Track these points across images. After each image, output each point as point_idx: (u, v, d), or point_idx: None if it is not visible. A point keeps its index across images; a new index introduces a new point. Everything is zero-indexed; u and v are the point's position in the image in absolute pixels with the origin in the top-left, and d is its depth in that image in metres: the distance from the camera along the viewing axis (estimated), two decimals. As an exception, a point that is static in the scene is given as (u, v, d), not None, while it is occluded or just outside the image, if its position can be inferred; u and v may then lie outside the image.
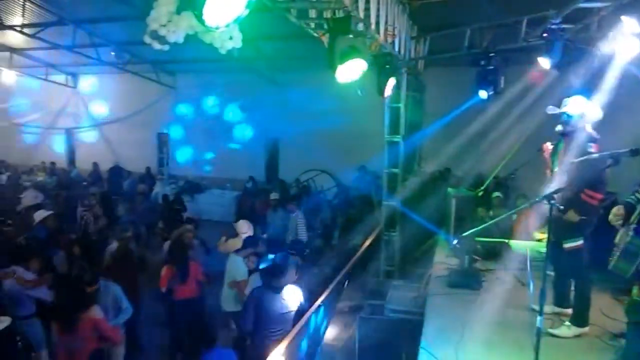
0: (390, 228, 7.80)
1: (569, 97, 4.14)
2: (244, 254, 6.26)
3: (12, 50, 14.25)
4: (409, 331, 4.74)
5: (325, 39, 4.50)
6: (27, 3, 10.50)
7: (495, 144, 8.24)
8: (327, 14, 4.80)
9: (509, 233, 6.11)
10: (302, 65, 12.84)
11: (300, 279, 4.97)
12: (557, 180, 3.95)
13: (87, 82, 17.23)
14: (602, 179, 3.84)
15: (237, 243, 6.90)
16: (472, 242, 5.33)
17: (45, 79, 16.27)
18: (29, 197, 9.22)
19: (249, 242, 6.47)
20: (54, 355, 4.55)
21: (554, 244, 3.78)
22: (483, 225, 4.25)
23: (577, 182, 3.81)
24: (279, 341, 4.09)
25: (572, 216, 3.84)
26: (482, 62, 7.06)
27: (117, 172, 15.18)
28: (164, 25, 4.37)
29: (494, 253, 5.84)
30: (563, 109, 4.07)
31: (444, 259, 5.89)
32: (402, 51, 6.98)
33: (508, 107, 8.43)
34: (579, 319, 3.97)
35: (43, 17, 11.32)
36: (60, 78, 16.83)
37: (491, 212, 7.17)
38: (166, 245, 6.79)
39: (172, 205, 10.38)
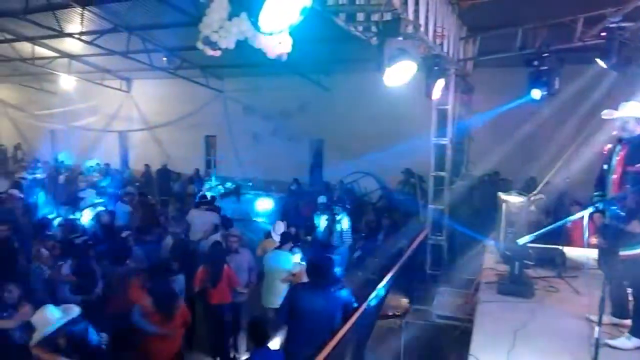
0: (437, 232, 7.67)
1: (627, 100, 3.94)
2: (287, 247, 6.50)
3: (71, 56, 15.01)
4: (457, 338, 4.65)
5: (374, 42, 4.50)
6: (85, 12, 11.03)
7: (548, 147, 7.97)
8: (375, 17, 4.79)
9: (564, 239, 5.88)
10: (346, 68, 12.89)
11: (345, 282, 5.03)
12: (614, 188, 3.76)
13: (140, 87, 17.94)
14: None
15: (271, 244, 7.12)
16: (523, 248, 5.16)
17: (101, 84, 17.06)
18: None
19: (286, 237, 6.70)
20: (149, 344, 4.89)
21: (607, 252, 3.60)
22: (540, 232, 4.08)
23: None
24: (310, 340, 4.14)
25: (637, 226, 3.64)
26: (535, 63, 6.82)
27: (165, 173, 15.70)
28: (216, 32, 4.46)
29: (546, 260, 5.63)
30: (619, 114, 3.88)
31: (493, 265, 5.72)
32: (451, 52, 6.86)
33: (562, 109, 8.13)
34: (639, 331, 3.77)
35: (99, 25, 11.87)
36: (115, 83, 17.60)
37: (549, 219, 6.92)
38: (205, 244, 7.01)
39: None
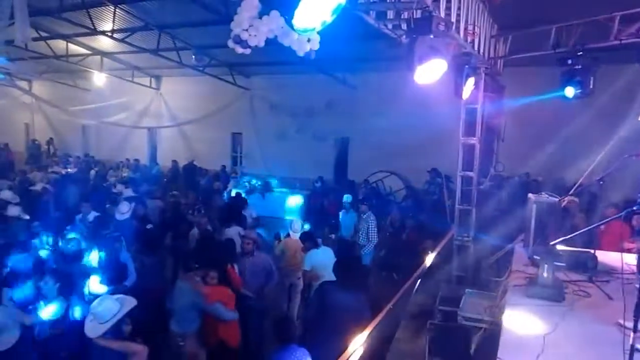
0: (463, 233, 7.57)
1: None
2: (306, 248, 6.50)
3: (103, 54, 15.37)
4: (484, 341, 4.58)
5: (404, 40, 4.46)
6: (117, 10, 11.29)
7: (580, 149, 7.76)
8: (406, 15, 4.76)
9: (595, 242, 5.73)
10: (373, 67, 12.84)
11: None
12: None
13: (169, 84, 18.24)
14: None
15: (293, 242, 7.13)
16: (553, 251, 5.05)
17: (132, 81, 17.42)
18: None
19: (305, 236, 6.71)
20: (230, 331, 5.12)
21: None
22: (572, 235, 3.99)
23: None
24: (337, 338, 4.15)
25: None
26: (569, 62, 6.66)
27: (192, 169, 15.93)
28: (246, 30, 4.52)
29: (577, 263, 5.49)
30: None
31: (521, 267, 5.61)
32: (482, 51, 6.76)
33: (596, 109, 7.92)
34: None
35: (131, 23, 12.14)
36: (145, 80, 17.94)
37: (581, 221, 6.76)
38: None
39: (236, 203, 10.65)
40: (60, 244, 6.35)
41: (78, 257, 5.81)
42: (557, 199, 5.98)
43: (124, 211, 7.73)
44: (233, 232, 7.39)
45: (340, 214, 9.40)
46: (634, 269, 4.42)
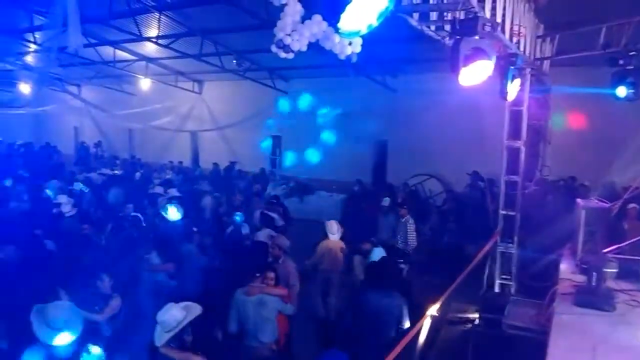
0: (507, 238, 7.36)
1: None
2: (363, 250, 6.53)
3: (148, 59, 15.87)
4: (531, 350, 4.44)
5: (448, 42, 4.40)
6: (162, 17, 11.64)
7: (632, 151, 7.45)
8: (448, 16, 4.69)
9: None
10: (413, 69, 12.73)
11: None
12: None
13: (211, 88, 18.65)
14: None
15: (332, 243, 7.14)
16: (603, 259, 4.86)
17: (175, 86, 17.91)
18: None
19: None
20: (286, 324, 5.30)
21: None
22: (628, 242, 3.82)
23: None
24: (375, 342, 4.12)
25: None
26: (621, 62, 6.38)
27: (232, 171, 16.21)
28: (289, 35, 4.55)
29: (629, 271, 5.25)
30: None
31: (569, 275, 5.42)
32: (527, 51, 6.58)
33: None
34: None
35: (174, 29, 12.48)
36: (188, 85, 18.41)
37: (625, 225, 6.49)
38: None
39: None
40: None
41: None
42: (607, 205, 5.76)
43: (173, 214, 7.94)
44: (264, 234, 7.50)
45: (379, 217, 9.34)
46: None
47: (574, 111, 8.74)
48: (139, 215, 7.94)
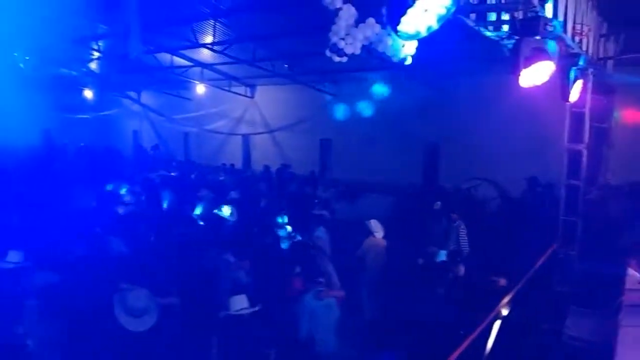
0: (568, 245, 7.05)
1: None
2: None
3: (203, 65, 16.36)
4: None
5: (506, 42, 4.28)
6: (217, 23, 11.99)
7: None
8: (507, 16, 4.57)
9: None
10: (467, 70, 12.41)
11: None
12: None
13: (263, 92, 19.00)
14: None
15: (376, 242, 7.19)
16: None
17: (229, 90, 18.39)
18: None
19: None
20: None
21: None
22: None
23: None
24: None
25: None
26: (696, 60, 5.98)
27: (282, 174, 16.41)
28: (343, 39, 4.58)
29: None
30: None
31: (638, 286, 5.12)
32: (590, 51, 6.29)
33: None
34: None
35: (228, 35, 12.81)
36: (240, 89, 18.84)
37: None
38: None
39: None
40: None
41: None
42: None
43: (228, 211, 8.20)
44: (320, 234, 7.59)
45: (430, 220, 9.18)
46: None
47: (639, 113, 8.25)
48: (195, 215, 8.22)
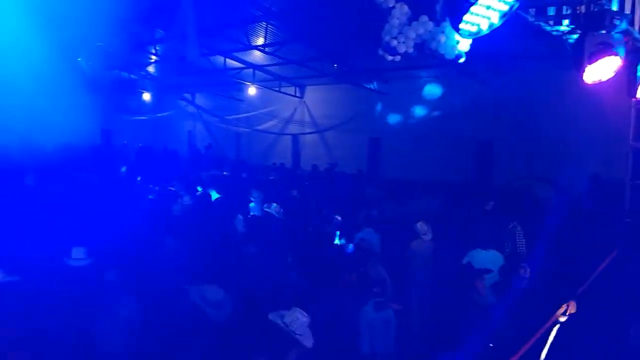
0: (632, 250, 6.67)
1: None
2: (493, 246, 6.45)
3: (255, 67, 16.71)
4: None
5: (568, 37, 4.11)
6: (269, 26, 12.22)
7: None
8: (568, 10, 4.39)
9: None
10: (520, 65, 12.00)
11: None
12: None
13: (312, 92, 19.17)
14: None
15: (422, 243, 7.15)
16: None
17: (279, 91, 18.67)
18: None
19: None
20: None
21: None
22: None
23: None
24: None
25: None
26: None
27: (331, 174, 16.47)
28: (395, 38, 4.57)
29: None
30: None
31: None
32: (660, 43, 5.93)
33: None
34: None
35: (279, 37, 13.02)
36: (290, 90, 19.08)
37: None
38: None
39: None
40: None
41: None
42: None
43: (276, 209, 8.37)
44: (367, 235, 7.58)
45: (483, 221, 8.95)
46: None
47: None
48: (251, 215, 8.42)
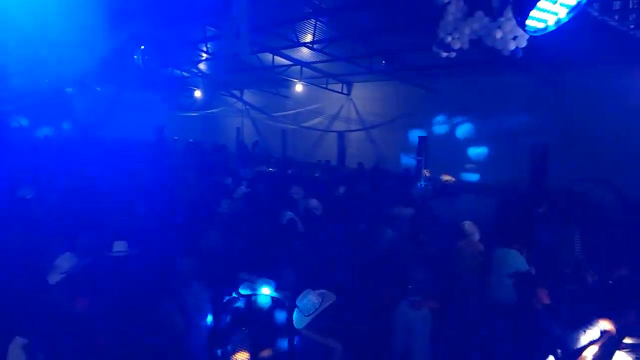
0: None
1: None
2: (516, 246, 6.26)
3: (303, 63, 16.78)
4: None
5: (637, 32, 3.88)
6: (318, 23, 12.22)
7: None
8: (634, 5, 4.15)
9: None
10: (581, 61, 11.45)
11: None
12: None
13: (359, 89, 19.06)
14: None
15: (469, 244, 7.03)
16: None
17: (326, 88, 18.69)
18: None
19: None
20: None
21: None
22: None
23: None
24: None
25: None
26: None
27: (376, 172, 16.35)
28: (450, 34, 4.46)
29: None
30: None
31: None
32: None
33: None
34: None
35: (328, 34, 13.00)
36: (337, 86, 19.06)
37: None
38: None
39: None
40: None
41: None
42: None
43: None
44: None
45: (537, 224, 8.65)
46: None
47: None
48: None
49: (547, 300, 4.97)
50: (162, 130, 24.10)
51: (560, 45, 10.09)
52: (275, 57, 15.98)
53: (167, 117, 24.16)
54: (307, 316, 4.06)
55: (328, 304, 4.16)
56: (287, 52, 15.43)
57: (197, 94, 23.25)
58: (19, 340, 3.80)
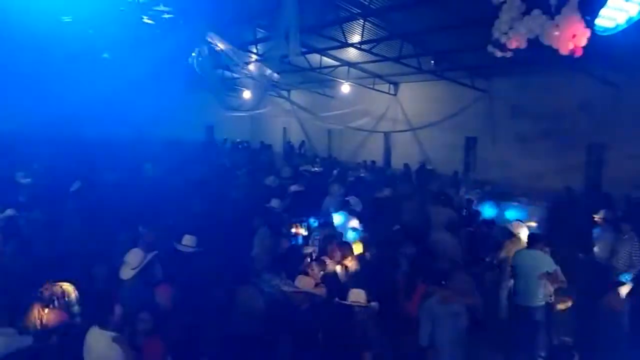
0: None
1: None
2: (539, 247, 6.14)
3: (350, 64, 16.79)
4: None
5: None
6: (366, 23, 12.20)
7: None
8: None
9: None
10: None
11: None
12: None
13: (406, 90, 18.87)
14: None
15: (517, 244, 6.88)
16: None
17: (372, 88, 18.61)
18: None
19: (535, 238, 6.38)
20: None
21: None
22: None
23: None
24: None
25: None
26: None
27: (423, 173, 16.10)
28: (505, 33, 4.37)
29: None
30: None
31: None
32: None
33: None
34: None
35: (376, 34, 12.95)
36: (384, 87, 18.95)
37: None
38: None
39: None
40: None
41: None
42: None
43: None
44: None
45: (594, 232, 8.30)
46: None
47: None
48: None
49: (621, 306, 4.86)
50: (211, 130, 24.73)
51: (622, 42, 9.75)
52: (323, 57, 16.07)
53: (216, 117, 24.73)
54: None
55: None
56: (335, 52, 15.49)
57: (246, 94, 23.68)
58: (105, 334, 3.74)
